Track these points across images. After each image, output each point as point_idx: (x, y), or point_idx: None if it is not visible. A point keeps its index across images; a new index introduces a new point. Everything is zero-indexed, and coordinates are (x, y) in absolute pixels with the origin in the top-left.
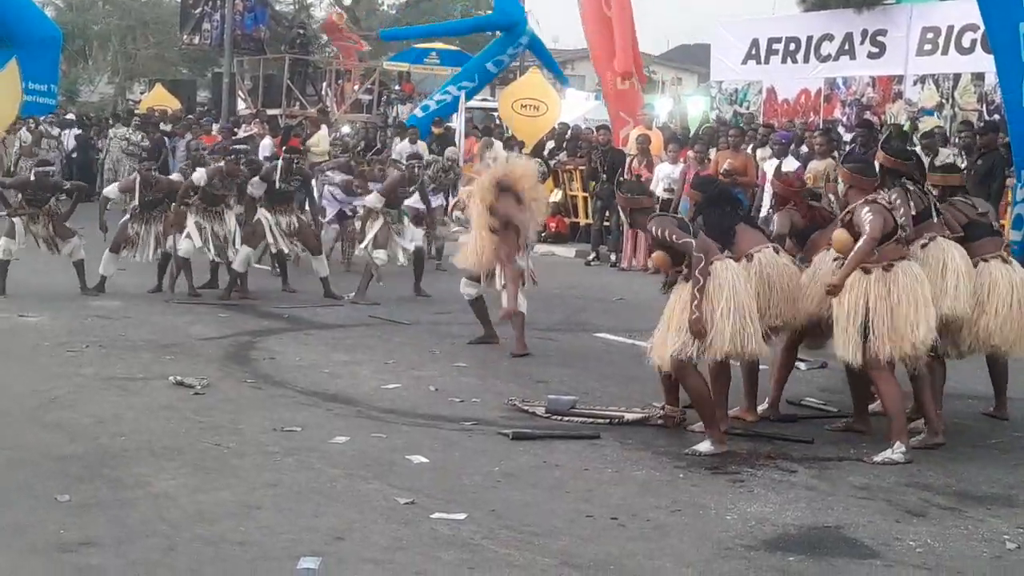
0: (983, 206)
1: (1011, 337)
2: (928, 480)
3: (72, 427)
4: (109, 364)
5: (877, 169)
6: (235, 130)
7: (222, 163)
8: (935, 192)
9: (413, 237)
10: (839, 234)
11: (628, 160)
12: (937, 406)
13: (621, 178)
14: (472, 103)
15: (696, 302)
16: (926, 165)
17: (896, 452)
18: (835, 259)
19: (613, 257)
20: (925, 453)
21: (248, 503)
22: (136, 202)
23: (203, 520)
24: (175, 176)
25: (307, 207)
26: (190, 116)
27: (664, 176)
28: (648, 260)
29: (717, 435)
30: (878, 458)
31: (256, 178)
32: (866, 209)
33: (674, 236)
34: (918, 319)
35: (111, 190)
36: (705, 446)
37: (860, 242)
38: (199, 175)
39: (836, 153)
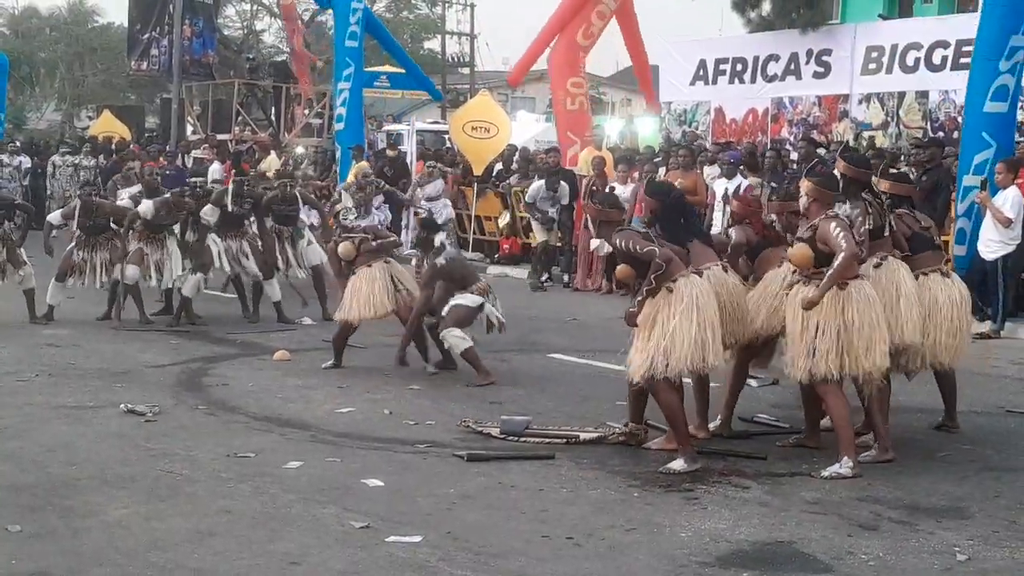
0: (926, 220)
1: (954, 350)
2: (879, 494)
3: (22, 457)
4: (59, 393)
5: (839, 179)
6: (182, 156)
7: (168, 195)
8: (885, 198)
9: (309, 256)
10: (800, 248)
11: (587, 182)
12: (884, 421)
13: (594, 188)
14: (423, 125)
15: (641, 300)
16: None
17: (844, 467)
18: (794, 272)
19: (566, 278)
20: (876, 467)
21: (202, 530)
22: (77, 228)
23: (157, 548)
24: (124, 201)
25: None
26: (139, 143)
27: None
28: (602, 280)
29: (690, 452)
30: (826, 473)
31: (208, 205)
32: (833, 224)
33: (638, 246)
34: (872, 341)
35: (54, 216)
36: (678, 464)
37: (840, 258)
38: (145, 208)
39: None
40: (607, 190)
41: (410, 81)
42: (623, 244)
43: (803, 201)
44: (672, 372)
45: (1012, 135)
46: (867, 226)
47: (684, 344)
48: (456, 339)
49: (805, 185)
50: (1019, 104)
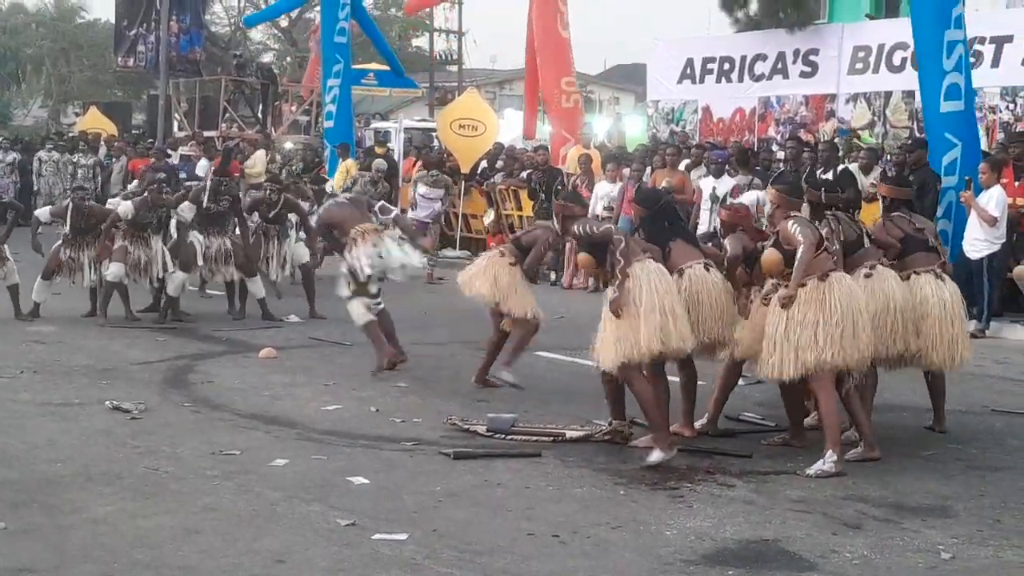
0: (921, 222)
1: (944, 352)
2: (864, 492)
3: (7, 453)
4: (45, 390)
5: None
6: (168, 152)
7: (146, 194)
8: (884, 202)
9: (297, 254)
10: (769, 254)
11: (571, 180)
12: (867, 417)
13: (559, 187)
14: (411, 123)
15: (619, 282)
16: (862, 182)
17: (827, 461)
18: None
19: (553, 275)
20: (861, 465)
21: (187, 527)
22: (67, 229)
23: (142, 545)
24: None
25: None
26: (125, 137)
27: (603, 195)
28: (587, 275)
29: (664, 441)
30: (811, 471)
31: (185, 203)
32: (791, 223)
33: (593, 227)
34: (856, 330)
35: (43, 212)
36: (656, 455)
37: (800, 252)
38: (125, 209)
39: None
40: (585, 190)
41: (395, 78)
42: (580, 229)
43: (767, 208)
44: (637, 358)
45: (975, 132)
46: (837, 240)
47: (644, 330)
48: (361, 312)
49: (770, 192)
50: (1006, 104)
